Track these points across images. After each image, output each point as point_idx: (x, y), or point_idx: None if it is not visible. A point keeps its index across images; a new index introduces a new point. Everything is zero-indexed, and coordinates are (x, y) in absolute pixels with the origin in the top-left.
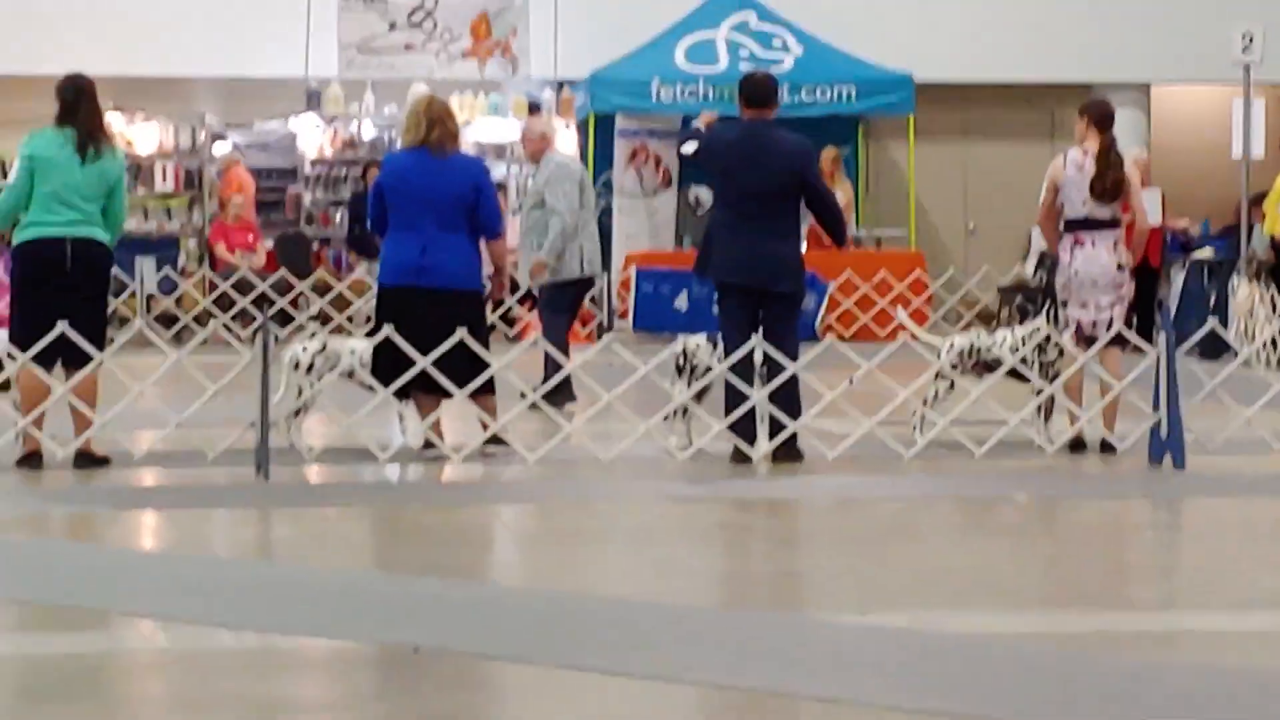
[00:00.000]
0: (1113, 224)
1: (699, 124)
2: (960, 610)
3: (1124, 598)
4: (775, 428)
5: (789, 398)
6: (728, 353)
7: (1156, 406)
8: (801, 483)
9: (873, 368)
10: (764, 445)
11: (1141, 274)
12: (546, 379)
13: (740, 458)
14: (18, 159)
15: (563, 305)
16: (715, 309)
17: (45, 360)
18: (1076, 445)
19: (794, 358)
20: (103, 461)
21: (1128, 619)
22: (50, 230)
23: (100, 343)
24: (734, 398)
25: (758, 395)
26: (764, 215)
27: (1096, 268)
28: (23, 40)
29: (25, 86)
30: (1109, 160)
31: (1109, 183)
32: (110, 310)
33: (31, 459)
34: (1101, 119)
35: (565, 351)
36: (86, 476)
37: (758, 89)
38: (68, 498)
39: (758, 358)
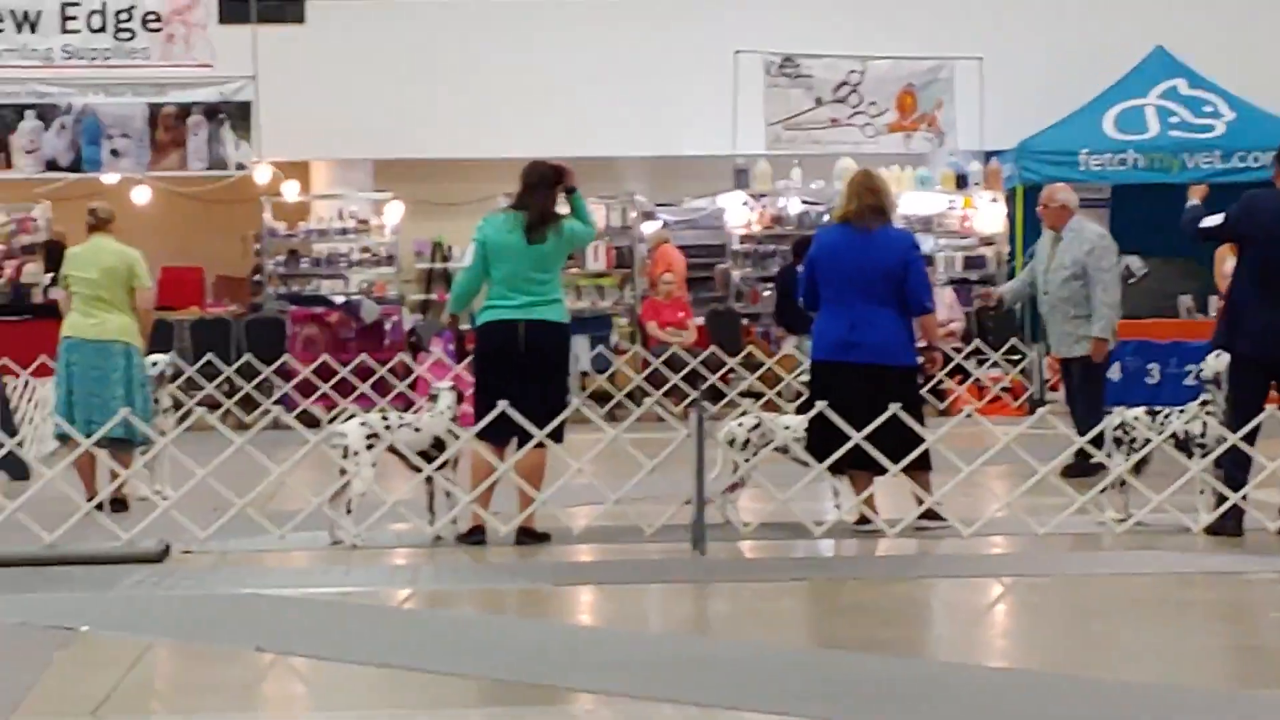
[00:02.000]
0: None
1: (1195, 199)
2: None
3: None
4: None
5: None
6: (1239, 424)
7: None
8: (1244, 559)
9: None
10: (1204, 518)
11: None
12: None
13: (1222, 530)
14: (472, 243)
15: (1101, 374)
16: (1152, 380)
17: (499, 438)
18: None
19: None
20: (543, 538)
21: None
22: (504, 314)
23: (549, 421)
24: (1234, 468)
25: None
26: None
27: None
28: (465, 126)
29: (467, 170)
30: None
31: None
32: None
33: (474, 534)
34: None
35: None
36: (527, 552)
37: None
38: (510, 573)
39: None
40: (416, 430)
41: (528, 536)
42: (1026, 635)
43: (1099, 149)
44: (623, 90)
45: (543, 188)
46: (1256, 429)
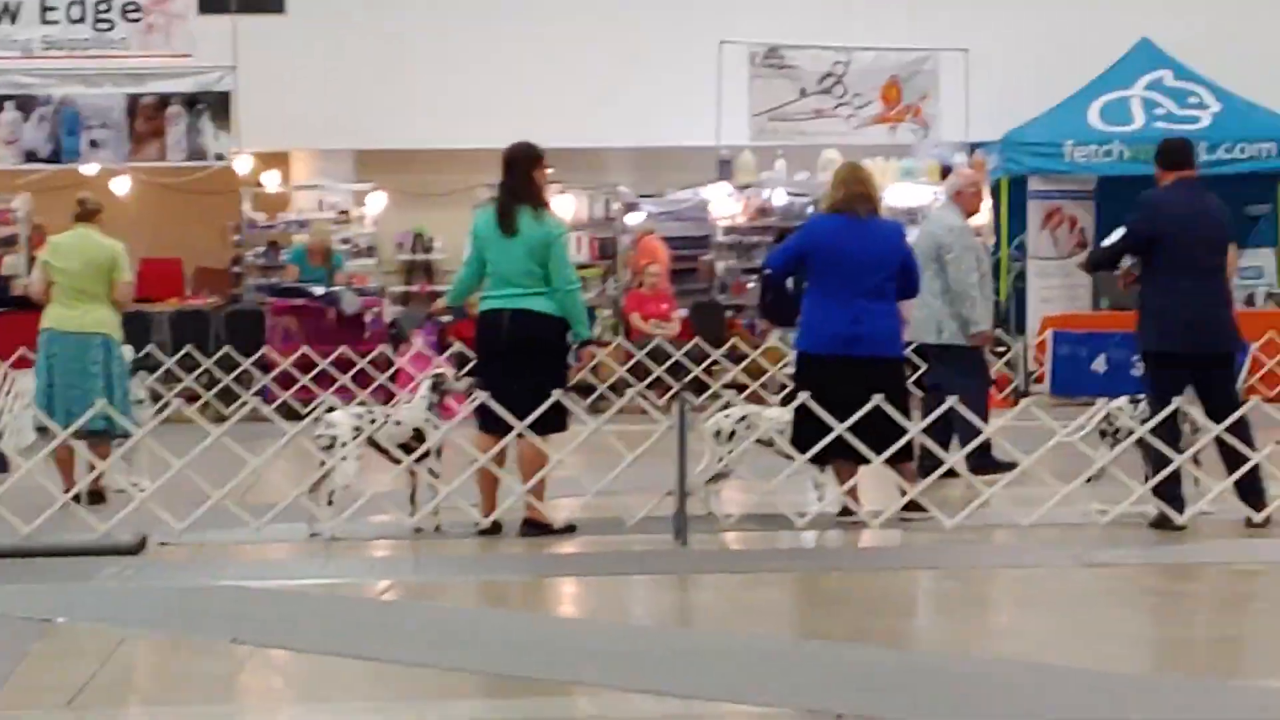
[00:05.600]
0: None
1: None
2: None
3: None
4: (1247, 493)
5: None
6: (1166, 420)
7: None
8: (1228, 546)
9: None
10: (1191, 510)
11: None
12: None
13: (1163, 523)
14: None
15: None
16: (1139, 371)
17: (495, 429)
18: None
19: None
20: (545, 529)
21: None
22: (492, 304)
23: (545, 413)
24: (1161, 463)
25: (1183, 459)
26: (1210, 277)
27: None
28: (447, 116)
29: (450, 160)
30: None
31: None
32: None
33: (530, 526)
34: None
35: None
36: (510, 545)
37: (1182, 150)
38: (491, 566)
39: (1190, 422)
40: (398, 423)
41: (531, 528)
42: (1011, 625)
43: (1084, 140)
44: (606, 81)
45: (510, 173)
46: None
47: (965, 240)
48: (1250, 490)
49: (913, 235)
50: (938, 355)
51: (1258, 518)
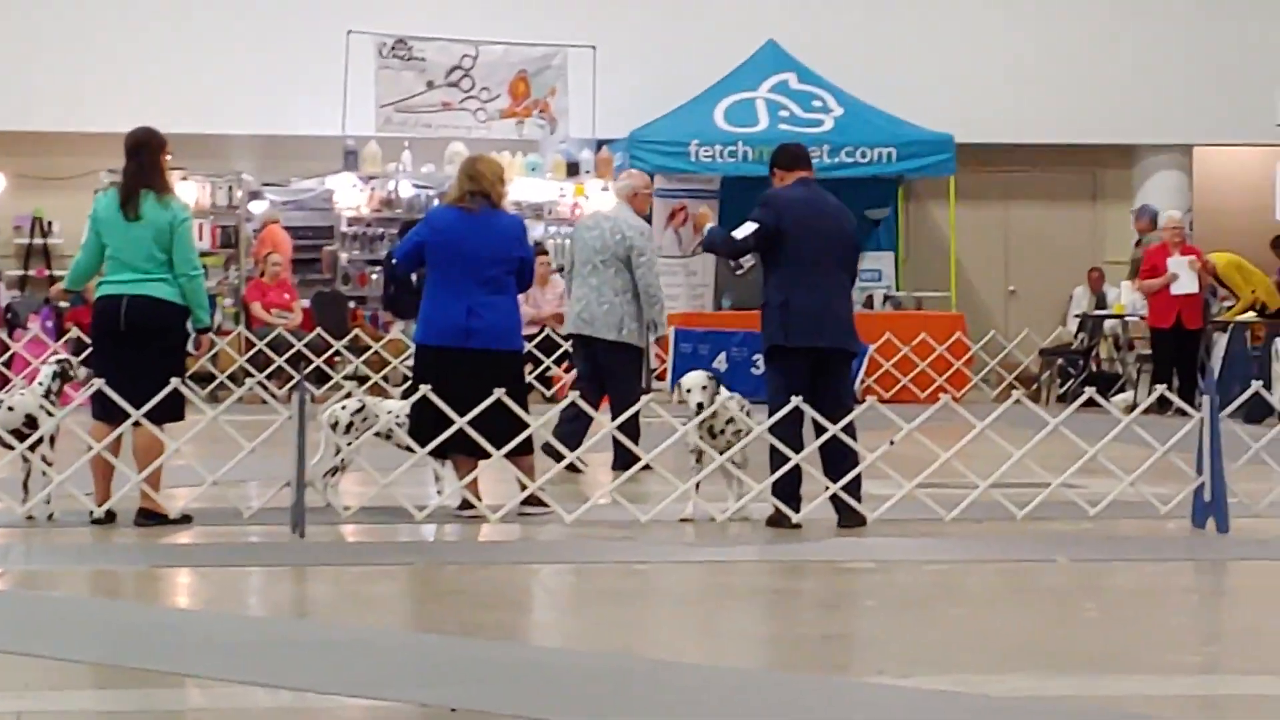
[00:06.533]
0: None
1: (709, 224)
2: (1003, 673)
3: (1167, 662)
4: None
5: (853, 458)
6: (785, 417)
7: (1200, 470)
8: (841, 545)
9: (913, 430)
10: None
11: (1183, 337)
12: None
13: (779, 521)
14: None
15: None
16: (759, 370)
17: (110, 417)
18: None
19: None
20: (162, 519)
21: (1171, 683)
22: (110, 289)
23: (162, 401)
24: (779, 461)
25: (800, 457)
26: (833, 273)
27: None
28: (69, 98)
29: (71, 143)
30: None
31: None
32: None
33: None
34: None
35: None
36: (126, 534)
37: (800, 153)
38: (106, 555)
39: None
40: (10, 409)
41: (146, 518)
42: (626, 620)
43: (709, 140)
44: (232, 66)
45: (136, 157)
46: (797, 417)
47: (653, 243)
48: (852, 491)
49: (537, 231)
50: (608, 351)
51: (796, 517)
